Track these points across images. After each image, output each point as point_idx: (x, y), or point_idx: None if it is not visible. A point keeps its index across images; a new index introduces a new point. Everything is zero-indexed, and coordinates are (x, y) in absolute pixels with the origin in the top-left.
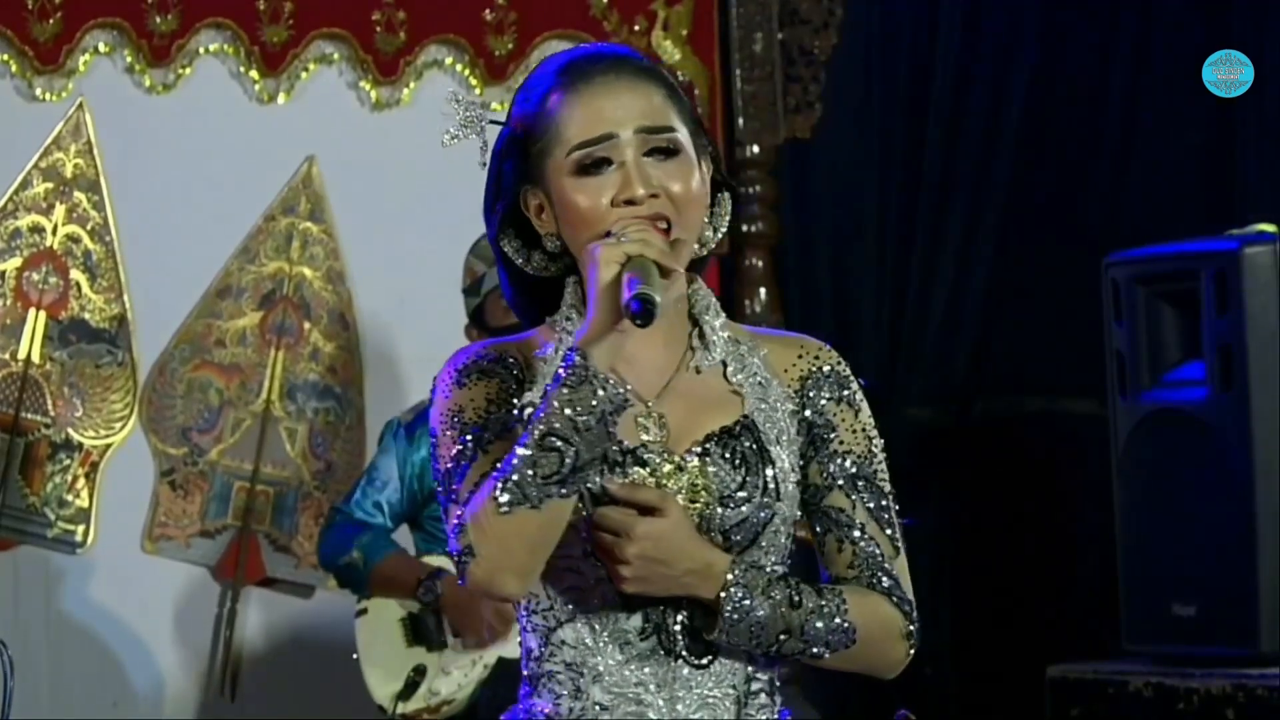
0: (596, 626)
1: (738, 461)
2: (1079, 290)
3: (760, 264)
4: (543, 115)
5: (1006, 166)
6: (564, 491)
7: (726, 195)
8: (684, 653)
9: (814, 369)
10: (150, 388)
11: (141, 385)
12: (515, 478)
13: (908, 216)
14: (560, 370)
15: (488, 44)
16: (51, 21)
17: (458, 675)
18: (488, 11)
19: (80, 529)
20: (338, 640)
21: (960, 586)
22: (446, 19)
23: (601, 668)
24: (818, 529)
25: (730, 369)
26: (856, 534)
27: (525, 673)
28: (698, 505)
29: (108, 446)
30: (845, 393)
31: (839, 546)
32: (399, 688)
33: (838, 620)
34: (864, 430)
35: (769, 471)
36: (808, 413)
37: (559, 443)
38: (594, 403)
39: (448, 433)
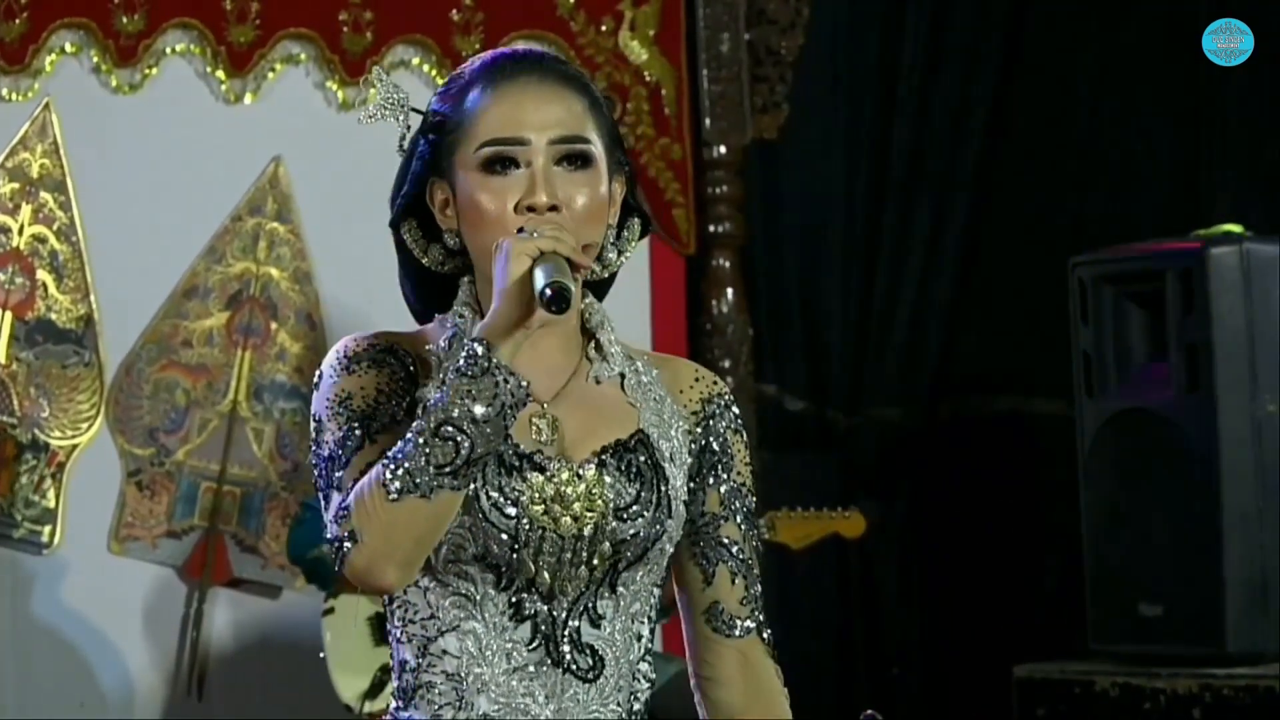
0: (483, 636)
1: (632, 475)
2: (1046, 290)
3: (727, 264)
4: (459, 108)
5: (973, 166)
6: (455, 483)
7: (637, 221)
8: (571, 665)
9: (714, 393)
10: (117, 388)
11: (108, 386)
12: (408, 465)
13: (875, 216)
14: (460, 360)
15: (455, 44)
16: (18, 21)
17: None
18: (455, 12)
19: (47, 530)
20: (305, 640)
21: (927, 586)
22: (413, 19)
23: (487, 677)
24: (708, 556)
25: (628, 382)
26: (749, 571)
27: (398, 684)
28: (593, 515)
29: (74, 447)
30: (739, 424)
31: (732, 580)
32: (366, 687)
33: None
34: (749, 466)
35: (663, 488)
36: (710, 438)
37: (455, 433)
38: (495, 395)
39: (334, 418)
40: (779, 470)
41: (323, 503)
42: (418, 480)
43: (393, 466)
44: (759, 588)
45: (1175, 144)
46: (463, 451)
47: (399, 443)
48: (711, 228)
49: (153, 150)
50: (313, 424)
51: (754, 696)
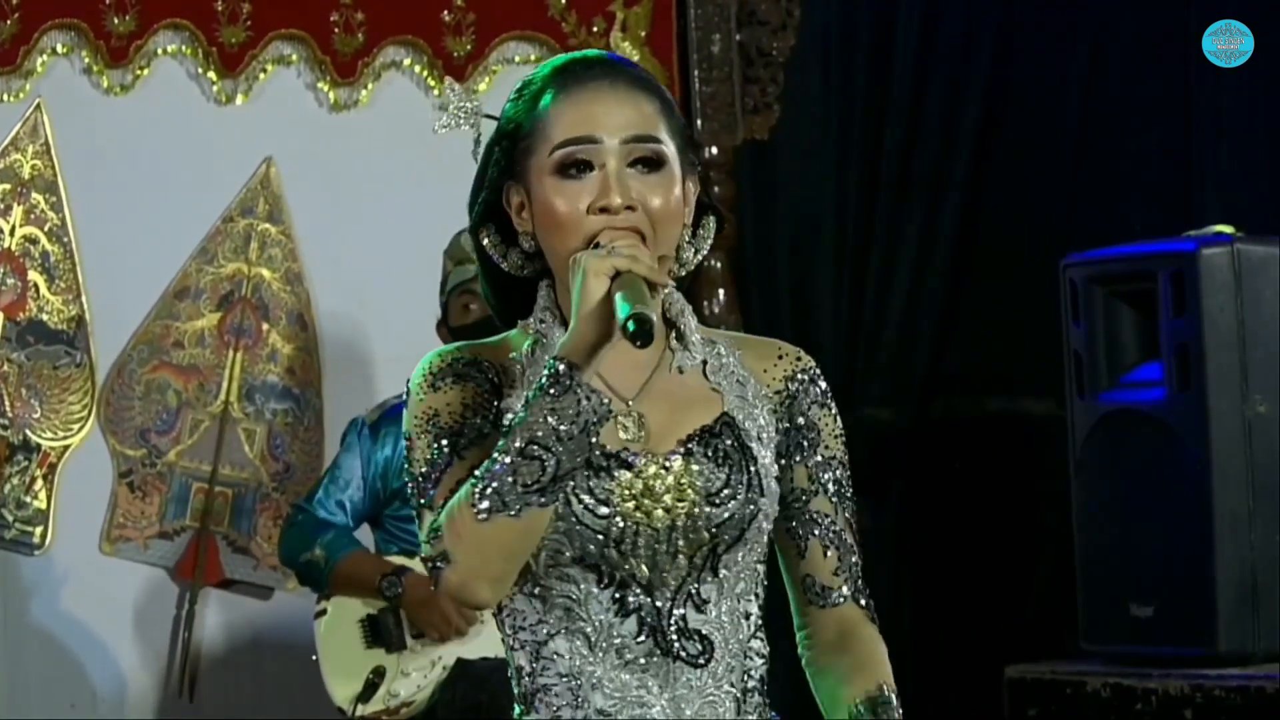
0: (591, 635)
1: (720, 459)
2: (1037, 290)
3: (719, 265)
4: (532, 112)
5: (964, 167)
6: (543, 500)
7: (712, 219)
8: (681, 653)
9: (797, 370)
10: (108, 389)
11: (99, 386)
12: (495, 485)
13: (866, 217)
14: (543, 379)
15: (446, 45)
16: (9, 22)
17: (416, 677)
18: (446, 13)
19: (38, 530)
20: (296, 641)
21: (919, 586)
22: (405, 20)
23: (600, 674)
24: (799, 531)
25: (709, 367)
26: (841, 541)
27: (517, 690)
28: (684, 505)
29: (66, 448)
30: (827, 398)
31: (824, 551)
32: (358, 689)
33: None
34: (841, 436)
35: (752, 468)
36: (796, 415)
37: (540, 451)
38: (577, 413)
39: (422, 437)
40: None
41: (417, 521)
42: (506, 499)
43: (481, 486)
44: (855, 556)
45: (1166, 144)
46: (548, 470)
47: (486, 462)
48: None
49: (144, 151)
50: (404, 443)
51: (853, 663)
